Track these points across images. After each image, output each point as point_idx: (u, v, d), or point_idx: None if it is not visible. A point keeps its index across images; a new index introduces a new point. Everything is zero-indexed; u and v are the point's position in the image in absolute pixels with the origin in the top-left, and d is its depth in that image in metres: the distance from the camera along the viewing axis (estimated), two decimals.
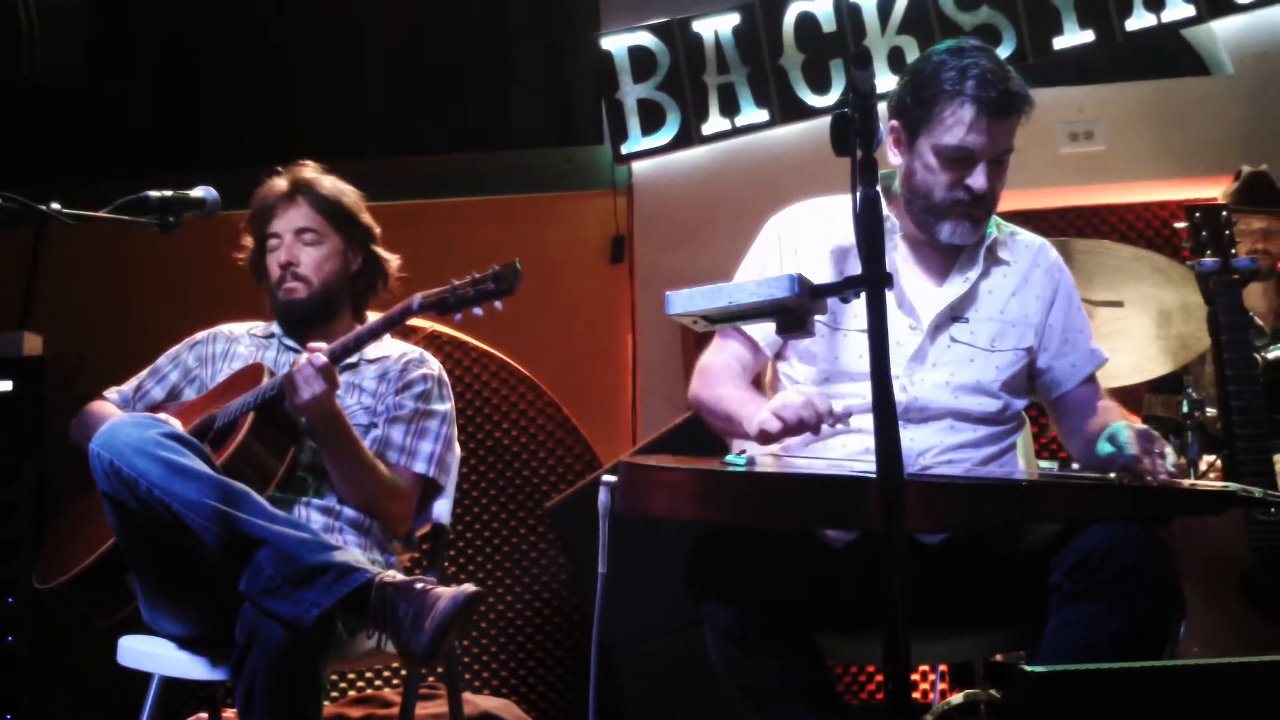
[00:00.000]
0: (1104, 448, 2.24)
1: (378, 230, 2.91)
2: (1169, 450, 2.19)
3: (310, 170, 2.88)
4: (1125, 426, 2.23)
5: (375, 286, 2.90)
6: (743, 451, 2.19)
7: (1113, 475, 2.21)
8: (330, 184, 2.86)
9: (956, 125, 2.33)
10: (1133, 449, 2.18)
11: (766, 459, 2.21)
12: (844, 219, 2.45)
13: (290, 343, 2.88)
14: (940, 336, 2.45)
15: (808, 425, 2.15)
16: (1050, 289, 2.53)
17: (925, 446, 2.39)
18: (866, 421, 2.07)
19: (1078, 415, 2.52)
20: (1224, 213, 2.81)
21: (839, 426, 2.32)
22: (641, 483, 2.12)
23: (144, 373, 2.93)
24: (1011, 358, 2.47)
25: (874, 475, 1.84)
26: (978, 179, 2.36)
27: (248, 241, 2.92)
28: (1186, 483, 2.28)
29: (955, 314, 2.46)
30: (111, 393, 2.90)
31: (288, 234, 2.82)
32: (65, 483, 2.88)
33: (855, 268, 2.33)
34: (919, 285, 2.47)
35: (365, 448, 2.69)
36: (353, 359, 2.78)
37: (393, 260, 2.92)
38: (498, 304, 2.53)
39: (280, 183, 2.86)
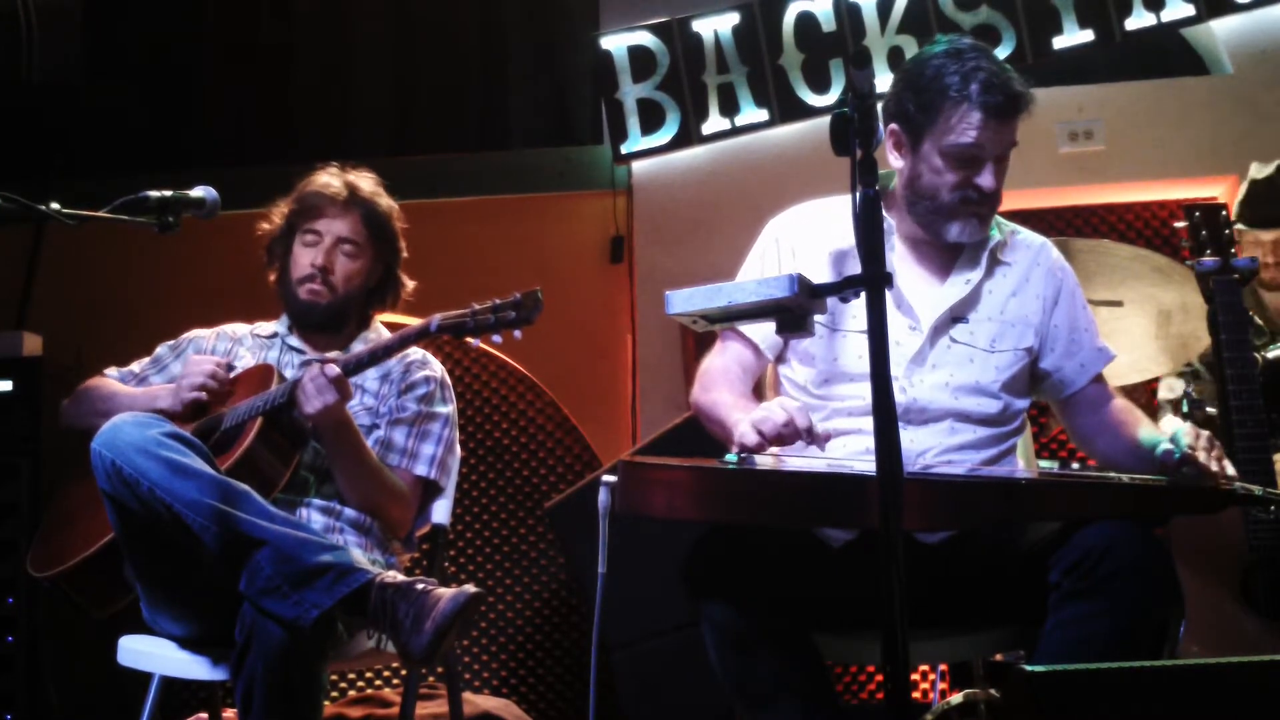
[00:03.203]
0: (1162, 446, 2.25)
1: (405, 255, 2.92)
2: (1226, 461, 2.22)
3: (371, 182, 2.88)
4: (1189, 428, 2.24)
5: (385, 301, 2.91)
6: (740, 451, 2.19)
7: (1170, 476, 2.22)
8: (386, 204, 2.88)
9: (964, 129, 2.34)
10: (1188, 439, 2.20)
11: (766, 458, 2.21)
12: (843, 220, 2.46)
13: (293, 343, 2.88)
14: (940, 338, 2.44)
15: (786, 441, 2.15)
16: (1053, 289, 2.53)
17: (925, 447, 2.39)
18: (867, 422, 2.08)
19: (1091, 414, 2.52)
20: (1223, 213, 2.81)
21: (830, 430, 2.32)
22: (641, 481, 2.12)
23: (145, 360, 2.92)
24: (1011, 358, 2.47)
25: (873, 474, 1.84)
26: (986, 178, 2.37)
27: (275, 219, 2.89)
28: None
29: (956, 315, 2.46)
30: (111, 370, 2.90)
31: (329, 237, 2.81)
32: (62, 477, 2.87)
33: (854, 269, 2.33)
34: (918, 286, 2.47)
35: (371, 453, 2.69)
36: None
37: (408, 285, 2.93)
38: (517, 333, 2.52)
39: (336, 183, 2.84)
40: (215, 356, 2.82)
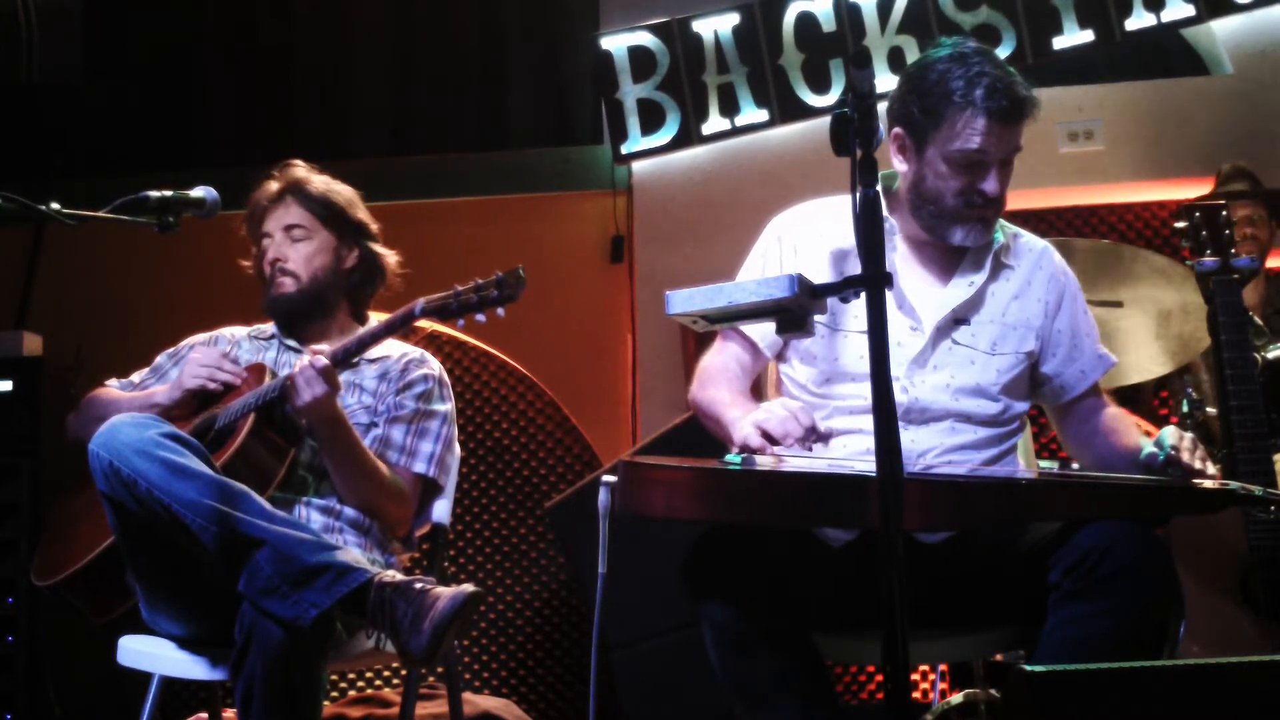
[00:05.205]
0: (1147, 449, 2.27)
1: (374, 226, 2.91)
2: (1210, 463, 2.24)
3: (300, 170, 2.89)
4: (1173, 431, 2.26)
5: (374, 283, 2.90)
6: (741, 451, 2.19)
7: (1164, 475, 2.23)
8: (320, 182, 2.87)
9: (969, 134, 2.34)
10: (1172, 441, 2.22)
11: (766, 458, 2.21)
12: (845, 219, 2.45)
13: (291, 343, 2.88)
14: (942, 340, 2.44)
15: (792, 438, 2.15)
16: (1055, 294, 2.52)
17: (926, 447, 2.39)
18: (867, 422, 2.08)
19: (1086, 421, 2.52)
20: (1223, 212, 2.81)
21: (831, 429, 2.32)
22: (641, 481, 2.12)
23: (145, 370, 2.93)
24: (1012, 361, 2.47)
25: (873, 474, 1.84)
26: (990, 183, 2.37)
27: (251, 246, 2.92)
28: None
29: (958, 317, 2.46)
30: (112, 382, 2.90)
31: (277, 232, 2.84)
32: (62, 482, 2.88)
33: (855, 268, 2.33)
34: (920, 287, 2.47)
35: (367, 450, 2.68)
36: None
37: (390, 257, 2.92)
38: (500, 310, 2.53)
39: (271, 184, 2.88)
40: (220, 349, 2.82)
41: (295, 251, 2.82)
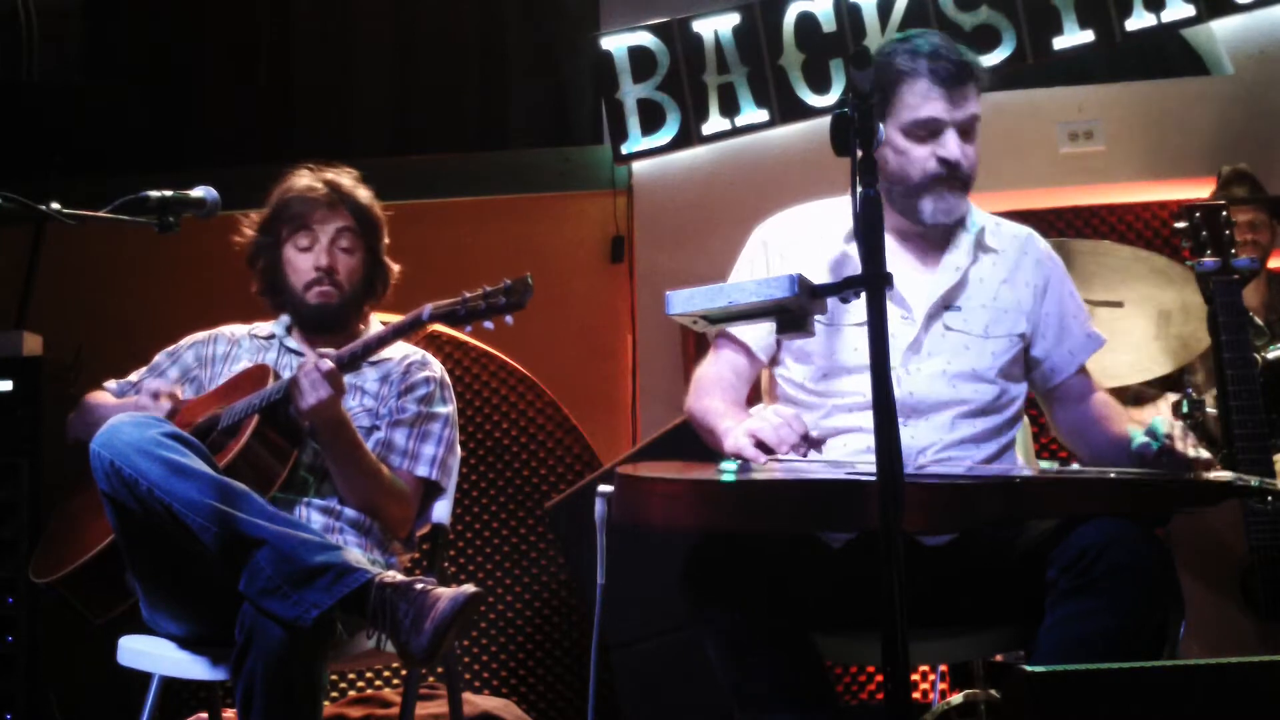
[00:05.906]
0: (1139, 439, 2.27)
1: (388, 240, 2.93)
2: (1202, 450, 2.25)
3: (349, 178, 2.89)
4: (1164, 419, 2.27)
5: (376, 291, 2.91)
6: (739, 457, 2.18)
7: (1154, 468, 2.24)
8: (366, 195, 2.88)
9: (916, 101, 2.38)
10: (1164, 429, 2.23)
11: (761, 465, 2.21)
12: (830, 224, 2.49)
13: (292, 344, 2.88)
14: (934, 325, 2.45)
15: (786, 445, 2.16)
16: (1042, 278, 2.54)
17: (926, 443, 2.39)
18: (866, 419, 2.08)
19: (1074, 407, 2.53)
20: (1224, 212, 2.81)
21: (831, 428, 2.32)
22: (637, 493, 2.11)
23: (143, 370, 2.93)
24: (1006, 344, 2.48)
25: (871, 477, 1.83)
26: (948, 147, 2.39)
27: (249, 230, 2.89)
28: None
29: (947, 303, 2.47)
30: (110, 384, 2.90)
31: (325, 238, 2.82)
32: (62, 481, 2.88)
33: (844, 270, 2.34)
34: (908, 275, 2.48)
35: (369, 452, 2.69)
36: None
37: (394, 268, 2.93)
38: (508, 318, 2.53)
39: (318, 185, 2.84)
40: (163, 382, 2.80)
41: (343, 263, 2.82)
